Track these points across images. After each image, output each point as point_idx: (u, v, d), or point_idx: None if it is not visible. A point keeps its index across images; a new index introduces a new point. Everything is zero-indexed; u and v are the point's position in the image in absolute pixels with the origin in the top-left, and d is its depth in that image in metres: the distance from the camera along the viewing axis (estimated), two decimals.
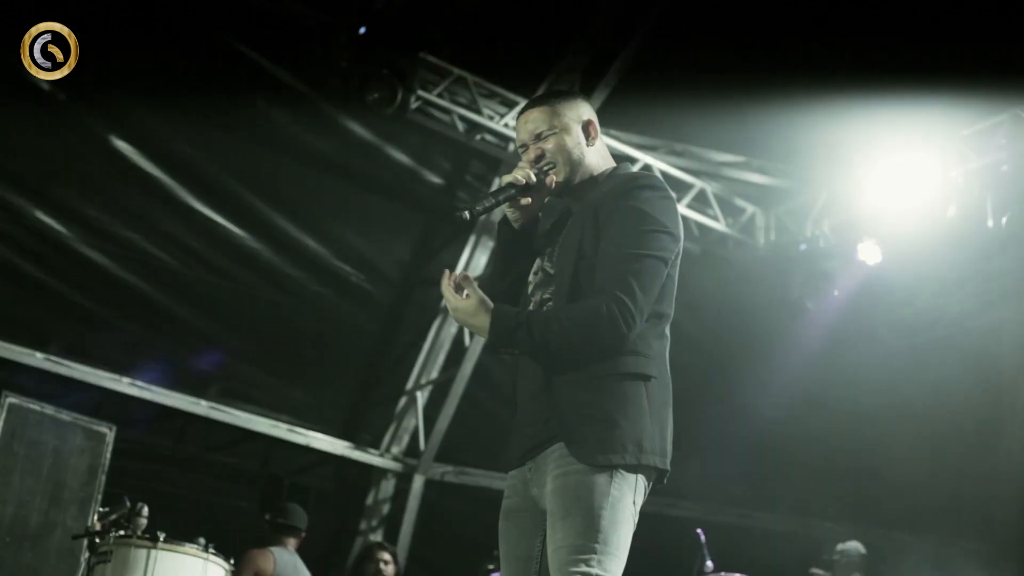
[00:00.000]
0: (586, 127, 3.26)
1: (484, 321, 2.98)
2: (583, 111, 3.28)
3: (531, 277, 3.22)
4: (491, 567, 7.52)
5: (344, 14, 7.82)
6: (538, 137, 3.24)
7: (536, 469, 3.06)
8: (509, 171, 3.20)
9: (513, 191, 3.15)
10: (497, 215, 3.39)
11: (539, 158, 3.22)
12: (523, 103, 8.71)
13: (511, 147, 8.88)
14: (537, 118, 3.25)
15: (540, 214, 3.27)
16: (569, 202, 3.27)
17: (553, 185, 3.20)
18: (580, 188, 3.23)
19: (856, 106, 8.03)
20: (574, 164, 3.22)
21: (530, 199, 3.20)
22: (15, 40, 5.53)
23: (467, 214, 3.07)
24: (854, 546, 8.42)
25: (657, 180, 3.20)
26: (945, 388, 9.13)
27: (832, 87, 7.92)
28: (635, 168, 3.72)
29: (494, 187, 3.13)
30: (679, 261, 3.15)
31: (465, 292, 3.02)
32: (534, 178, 3.17)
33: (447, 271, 3.04)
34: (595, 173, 3.25)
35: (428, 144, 9.22)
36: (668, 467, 3.04)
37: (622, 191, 3.11)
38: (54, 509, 7.30)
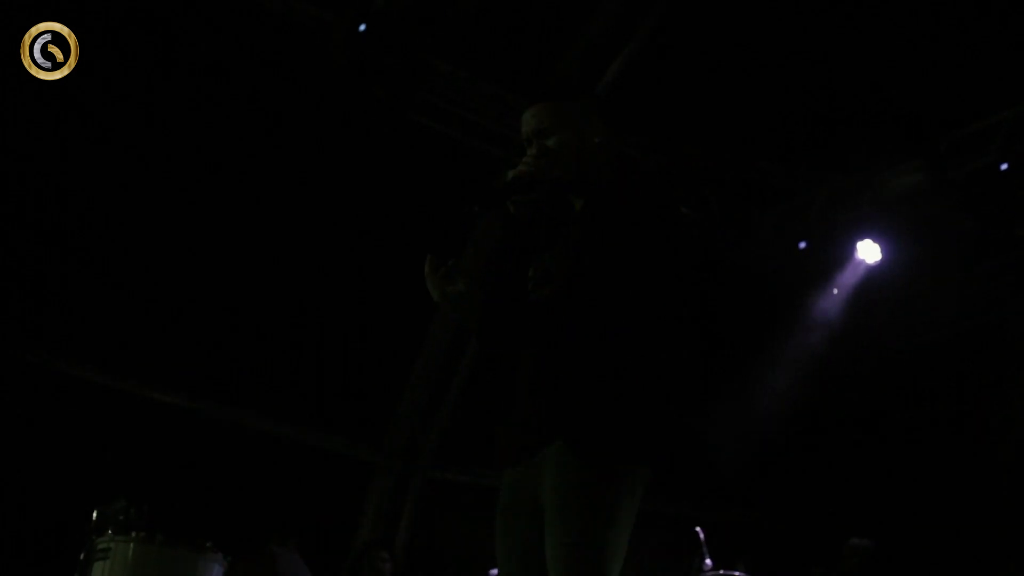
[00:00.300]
0: (592, 124, 3.24)
1: (473, 311, 2.97)
2: (590, 107, 3.26)
3: (531, 273, 3.21)
4: (490, 566, 7.52)
5: (343, 12, 7.80)
6: (543, 133, 3.21)
7: (534, 466, 3.05)
8: (510, 169, 3.19)
9: (517, 186, 3.13)
10: (500, 211, 3.37)
11: (543, 154, 3.19)
12: (523, 103, 8.73)
13: (511, 147, 8.86)
14: (543, 113, 3.23)
15: (542, 210, 3.25)
16: (572, 199, 3.25)
17: (556, 182, 3.18)
18: (583, 186, 3.21)
19: (857, 104, 8.03)
20: (578, 161, 3.19)
21: (533, 195, 3.18)
22: (15, 40, 5.54)
23: (474, 208, 3.06)
24: (863, 542, 8.38)
25: (661, 181, 3.18)
26: (946, 388, 9.14)
27: (834, 84, 7.92)
28: (637, 167, 3.66)
29: (498, 183, 3.11)
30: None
31: (454, 280, 3.00)
32: (538, 174, 3.15)
33: (430, 257, 3.02)
34: (599, 171, 3.22)
35: (427, 144, 9.20)
36: (667, 466, 3.04)
37: (625, 191, 3.10)
38: None
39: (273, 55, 8.36)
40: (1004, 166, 8.12)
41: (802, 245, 9.47)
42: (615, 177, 3.20)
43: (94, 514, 6.36)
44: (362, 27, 7.65)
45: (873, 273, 9.23)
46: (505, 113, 8.75)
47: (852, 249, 9.15)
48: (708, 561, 7.34)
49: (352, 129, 8.90)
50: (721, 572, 7.27)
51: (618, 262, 3.00)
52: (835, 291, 9.39)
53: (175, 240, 8.77)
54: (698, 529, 7.47)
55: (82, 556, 6.22)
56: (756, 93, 8.14)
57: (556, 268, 3.11)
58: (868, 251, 9.07)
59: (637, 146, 9.15)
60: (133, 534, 6.07)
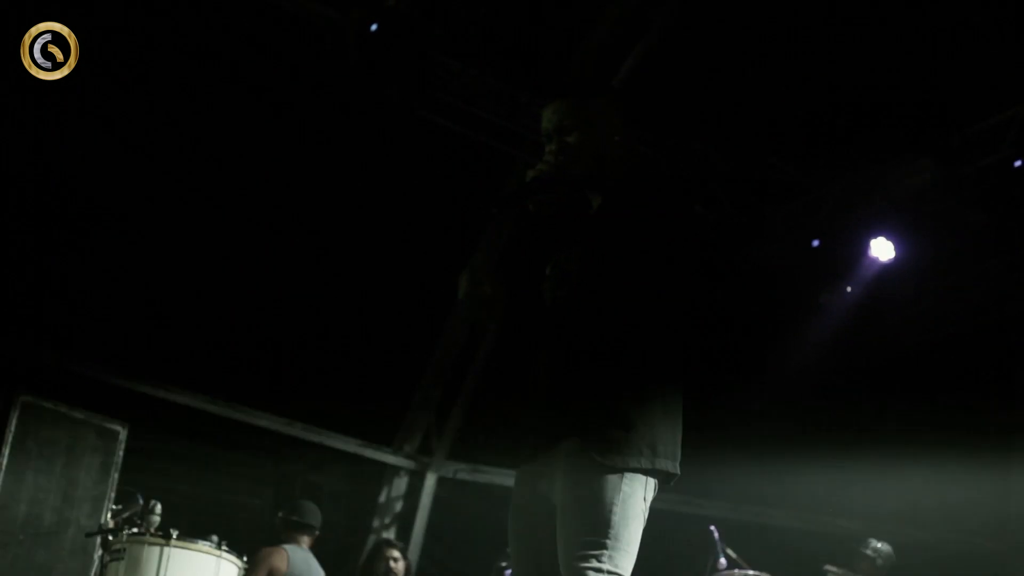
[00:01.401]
0: (611, 121, 3.22)
1: (497, 312, 2.97)
2: (610, 104, 3.25)
3: (548, 272, 3.21)
4: (503, 564, 7.52)
5: (355, 11, 7.81)
6: (562, 130, 3.19)
7: (548, 465, 3.05)
8: (522, 169, 3.19)
9: (536, 184, 3.12)
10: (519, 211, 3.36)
11: (562, 151, 3.18)
12: (535, 100, 8.73)
13: (522, 144, 8.84)
14: (562, 110, 3.21)
15: (561, 209, 3.24)
16: (590, 197, 3.22)
17: (575, 179, 3.16)
18: (601, 184, 3.18)
19: (868, 100, 8.02)
20: (596, 159, 3.18)
21: (552, 193, 3.16)
22: (15, 39, 5.55)
23: (493, 208, 3.06)
24: (881, 545, 8.31)
25: (678, 180, 3.17)
26: (958, 384, 9.12)
27: (845, 82, 7.91)
28: (654, 165, 3.62)
29: (517, 183, 3.10)
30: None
31: (480, 282, 3.00)
32: (557, 172, 3.14)
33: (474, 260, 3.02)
34: (617, 169, 3.21)
35: (439, 142, 9.20)
36: (678, 471, 3.03)
37: (642, 189, 3.10)
38: (67, 507, 7.33)
39: (284, 54, 8.37)
40: (1017, 163, 8.09)
41: (815, 243, 9.45)
42: (632, 175, 3.20)
43: (108, 515, 6.39)
44: (373, 27, 7.65)
45: (886, 270, 9.20)
46: (517, 110, 8.73)
47: (865, 246, 9.12)
48: (722, 560, 7.34)
49: (363, 128, 8.91)
50: (736, 572, 7.26)
51: (634, 262, 2.99)
52: (848, 288, 9.37)
53: (188, 241, 8.79)
54: (712, 528, 7.47)
55: (97, 557, 6.25)
56: (768, 90, 8.13)
57: (573, 268, 3.11)
58: (881, 248, 9.05)
59: (651, 143, 9.15)
60: (148, 535, 6.09)
